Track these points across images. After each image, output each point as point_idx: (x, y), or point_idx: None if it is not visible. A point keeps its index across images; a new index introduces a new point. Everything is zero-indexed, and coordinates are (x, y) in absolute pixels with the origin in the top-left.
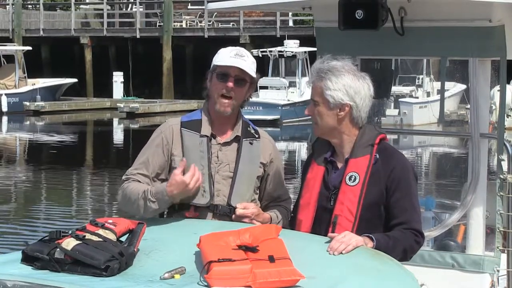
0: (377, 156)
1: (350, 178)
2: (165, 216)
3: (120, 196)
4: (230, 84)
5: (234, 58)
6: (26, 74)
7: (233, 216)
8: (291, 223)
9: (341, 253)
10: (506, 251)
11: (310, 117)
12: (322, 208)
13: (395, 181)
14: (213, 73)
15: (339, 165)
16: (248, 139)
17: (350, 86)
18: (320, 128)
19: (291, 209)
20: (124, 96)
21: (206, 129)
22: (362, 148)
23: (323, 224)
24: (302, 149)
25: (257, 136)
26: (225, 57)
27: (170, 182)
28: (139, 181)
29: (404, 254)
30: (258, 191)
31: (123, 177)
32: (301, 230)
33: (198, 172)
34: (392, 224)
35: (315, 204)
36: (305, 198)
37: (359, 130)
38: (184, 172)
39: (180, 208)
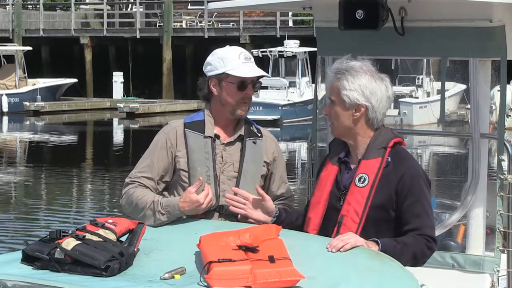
0: (389, 159)
1: (359, 180)
2: None
3: (124, 201)
4: (250, 92)
5: (246, 64)
6: (26, 74)
7: (239, 216)
8: (302, 221)
9: (339, 250)
10: (506, 251)
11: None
12: (332, 207)
13: (406, 186)
14: (223, 81)
15: (352, 166)
16: (251, 138)
17: (366, 86)
18: (336, 128)
19: (294, 207)
20: (124, 96)
21: (209, 130)
22: (375, 150)
23: (330, 223)
24: (302, 149)
25: (259, 135)
26: (237, 64)
27: (184, 199)
28: (144, 185)
29: (414, 259)
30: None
31: (127, 180)
32: (309, 228)
33: (211, 192)
34: (404, 230)
35: (325, 203)
36: (316, 196)
37: (375, 132)
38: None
39: None
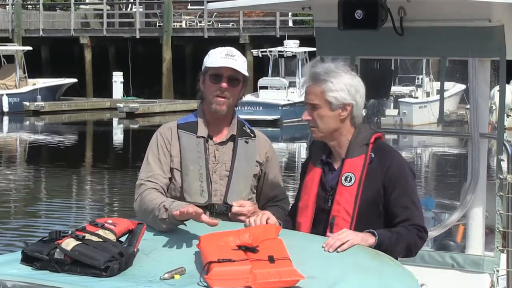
0: (372, 155)
1: (345, 179)
2: None
3: (137, 205)
4: (224, 84)
5: (225, 58)
6: (26, 74)
7: (229, 214)
8: (291, 226)
9: (337, 250)
10: (505, 251)
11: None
12: (320, 209)
13: (393, 179)
14: (205, 75)
15: (336, 166)
16: (243, 138)
17: (350, 85)
18: (321, 131)
19: (288, 209)
20: (123, 96)
21: (202, 130)
22: (358, 148)
23: (321, 225)
24: (302, 149)
25: (252, 135)
26: (216, 58)
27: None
28: (156, 183)
29: (408, 249)
30: (255, 190)
31: (139, 182)
32: None
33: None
34: (394, 222)
35: (313, 206)
36: (304, 200)
37: (355, 129)
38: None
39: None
